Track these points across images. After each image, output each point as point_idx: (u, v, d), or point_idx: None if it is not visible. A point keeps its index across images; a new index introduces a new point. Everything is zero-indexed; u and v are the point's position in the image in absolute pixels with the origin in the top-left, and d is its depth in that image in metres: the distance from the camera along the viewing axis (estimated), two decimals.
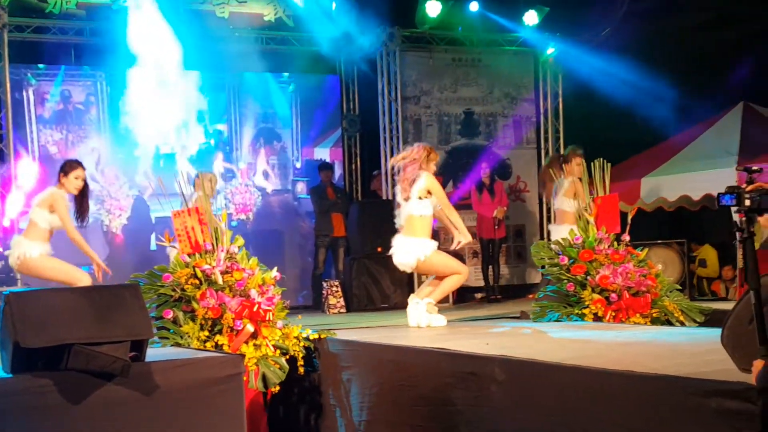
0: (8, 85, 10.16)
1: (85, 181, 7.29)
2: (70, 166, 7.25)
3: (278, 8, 11.24)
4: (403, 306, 7.65)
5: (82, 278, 7.08)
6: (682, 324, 6.88)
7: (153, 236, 11.13)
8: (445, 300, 9.39)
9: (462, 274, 7.08)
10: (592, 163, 7.66)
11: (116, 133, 11.34)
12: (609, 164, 7.57)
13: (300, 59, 11.62)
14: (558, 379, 4.23)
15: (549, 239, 8.18)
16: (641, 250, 7.29)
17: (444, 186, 10.78)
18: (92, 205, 11.13)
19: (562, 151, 12.13)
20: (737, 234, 3.35)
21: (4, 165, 9.98)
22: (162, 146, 11.54)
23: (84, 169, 7.32)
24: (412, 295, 7.25)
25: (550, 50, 12.20)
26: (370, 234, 10.31)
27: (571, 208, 8.00)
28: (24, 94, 11.06)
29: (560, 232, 7.84)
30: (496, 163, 11.93)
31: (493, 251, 11.27)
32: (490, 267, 11.28)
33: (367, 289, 10.30)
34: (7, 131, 10.09)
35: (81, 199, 7.29)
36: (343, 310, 10.11)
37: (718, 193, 3.36)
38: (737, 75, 10.71)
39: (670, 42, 11.86)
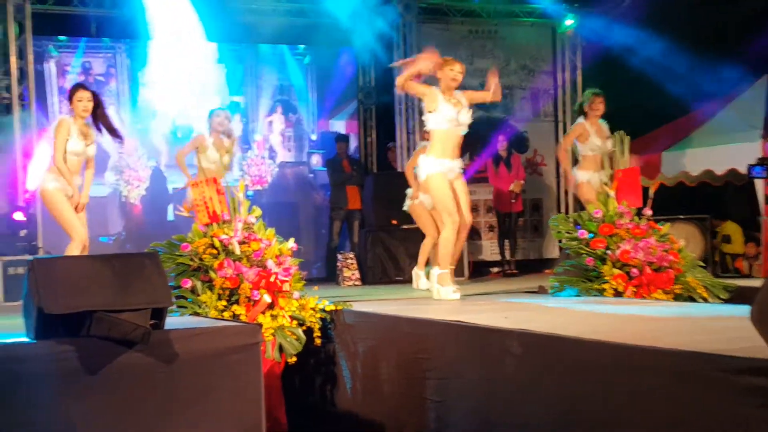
0: (31, 56, 10.17)
1: (94, 99, 6.81)
2: (71, 91, 6.87)
3: None
4: None
5: (77, 231, 6.69)
6: (706, 300, 6.75)
7: (170, 207, 11.17)
8: (460, 274, 9.34)
9: (449, 225, 6.55)
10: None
11: (135, 105, 11.39)
12: (629, 137, 7.47)
13: (316, 31, 11.54)
14: (578, 354, 4.17)
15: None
16: (663, 225, 7.20)
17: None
18: (111, 176, 11.25)
19: None
20: (765, 208, 3.30)
21: (27, 135, 10.01)
22: (179, 118, 11.55)
23: (85, 88, 6.87)
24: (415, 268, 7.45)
25: (569, 22, 12.06)
26: (385, 206, 10.25)
27: (586, 151, 7.89)
28: (46, 65, 11.13)
29: (579, 175, 7.88)
30: (513, 136, 11.80)
31: (510, 225, 11.21)
32: (507, 241, 11.23)
33: (382, 261, 10.27)
34: (30, 102, 10.13)
35: (99, 118, 6.86)
36: (358, 282, 10.09)
37: (749, 165, 3.30)
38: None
39: (692, 13, 11.66)
